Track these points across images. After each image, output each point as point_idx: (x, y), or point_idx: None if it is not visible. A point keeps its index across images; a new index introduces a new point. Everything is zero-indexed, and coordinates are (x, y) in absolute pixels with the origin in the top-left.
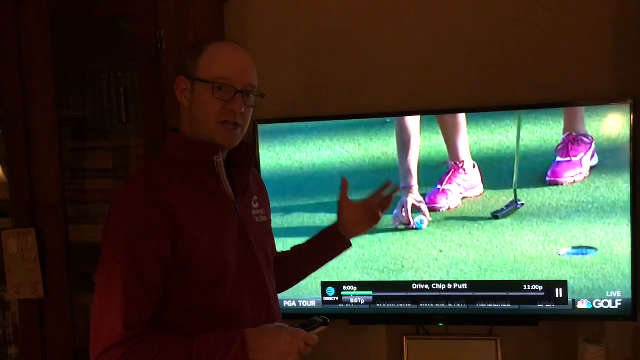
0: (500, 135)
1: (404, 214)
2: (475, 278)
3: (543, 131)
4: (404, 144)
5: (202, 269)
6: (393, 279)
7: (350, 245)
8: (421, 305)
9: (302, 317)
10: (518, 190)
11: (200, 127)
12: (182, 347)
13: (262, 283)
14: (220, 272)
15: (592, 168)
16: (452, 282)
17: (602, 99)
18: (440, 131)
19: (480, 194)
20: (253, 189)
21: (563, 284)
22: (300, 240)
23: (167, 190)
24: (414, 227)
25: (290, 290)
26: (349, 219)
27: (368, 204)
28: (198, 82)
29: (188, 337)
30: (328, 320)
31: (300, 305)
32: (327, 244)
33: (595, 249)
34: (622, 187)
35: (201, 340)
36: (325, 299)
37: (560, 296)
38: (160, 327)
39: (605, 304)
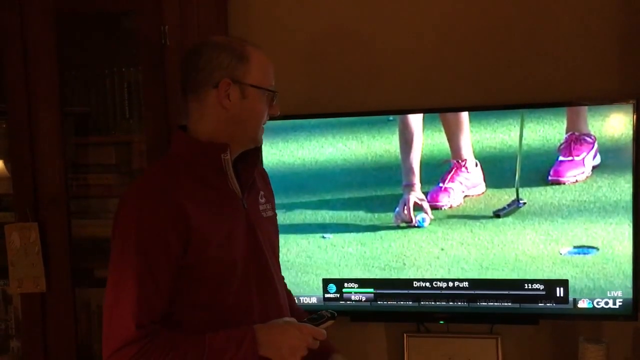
0: (502, 134)
1: (405, 211)
2: (476, 276)
3: (546, 130)
4: (406, 142)
5: (211, 266)
6: (394, 276)
7: None
8: (422, 303)
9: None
10: (520, 189)
11: (245, 131)
12: (193, 346)
13: (270, 278)
14: (229, 268)
15: (594, 168)
16: (453, 280)
17: (605, 99)
18: (442, 129)
19: (482, 193)
20: (259, 184)
21: (564, 283)
22: (302, 236)
23: (176, 188)
24: (416, 225)
25: (292, 287)
26: None
27: None
28: (252, 88)
29: (199, 335)
30: (335, 314)
31: (302, 302)
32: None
33: (597, 249)
34: (624, 186)
35: (212, 338)
36: (327, 295)
37: (561, 295)
38: (169, 325)
39: (606, 303)
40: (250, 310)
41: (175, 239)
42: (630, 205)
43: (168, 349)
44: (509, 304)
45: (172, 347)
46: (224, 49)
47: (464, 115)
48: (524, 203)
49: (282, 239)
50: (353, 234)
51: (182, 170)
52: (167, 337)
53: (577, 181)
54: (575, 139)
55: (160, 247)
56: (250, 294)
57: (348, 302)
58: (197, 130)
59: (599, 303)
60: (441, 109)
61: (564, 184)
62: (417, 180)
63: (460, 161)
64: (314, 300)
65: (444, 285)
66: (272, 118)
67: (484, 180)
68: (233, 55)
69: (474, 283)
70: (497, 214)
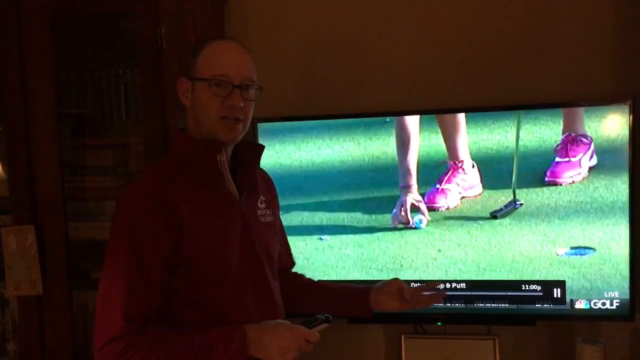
0: (499, 135)
1: (402, 213)
2: (473, 277)
3: (542, 131)
4: (403, 144)
5: (204, 266)
6: (391, 278)
7: (370, 315)
8: None
9: (300, 316)
10: (517, 190)
11: (203, 125)
12: (182, 342)
13: (265, 280)
14: (222, 269)
15: (591, 168)
16: (450, 282)
17: (602, 100)
18: (439, 131)
19: (479, 194)
20: (260, 189)
21: (561, 284)
22: (299, 238)
23: (171, 187)
24: (413, 226)
25: None
26: (386, 297)
27: (409, 295)
28: (197, 81)
29: (189, 331)
30: (330, 318)
31: None
32: (352, 298)
33: (594, 250)
34: (620, 187)
35: (202, 335)
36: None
37: (558, 296)
38: (164, 322)
39: (603, 304)
40: (245, 311)
41: (167, 236)
42: (626, 205)
43: (157, 344)
44: (507, 305)
45: (161, 342)
46: (191, 50)
47: (461, 117)
48: (521, 204)
49: None
50: (350, 236)
51: (178, 169)
52: (157, 333)
53: (573, 182)
54: (572, 140)
55: (151, 243)
56: (245, 295)
57: None
58: (188, 129)
59: (596, 304)
60: (438, 110)
61: (561, 185)
62: (414, 181)
63: (457, 162)
64: None
65: (442, 286)
66: (262, 119)
67: (481, 182)
68: (191, 53)
69: (471, 284)
70: (494, 215)
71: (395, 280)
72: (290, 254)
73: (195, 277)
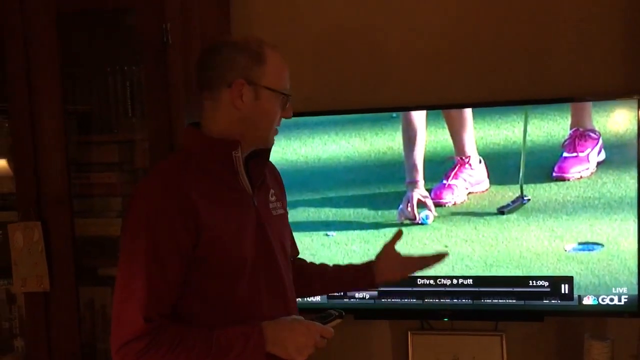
0: (506, 130)
1: (409, 209)
2: (480, 273)
3: (550, 126)
4: (409, 139)
5: (220, 261)
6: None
7: (375, 287)
8: (426, 300)
9: (306, 311)
10: (524, 186)
11: (256, 131)
12: (201, 341)
13: (279, 275)
14: (237, 264)
15: (599, 164)
16: (457, 278)
17: (610, 95)
18: (446, 126)
19: (486, 189)
20: (270, 182)
21: (569, 279)
22: (305, 234)
23: (186, 184)
24: (420, 222)
25: None
26: (385, 264)
27: (408, 260)
28: (266, 90)
29: (207, 330)
30: (343, 313)
31: (306, 300)
32: (357, 274)
33: (602, 245)
34: (629, 183)
35: (219, 334)
36: (331, 293)
37: (566, 292)
38: (178, 319)
39: (611, 300)
40: (259, 306)
41: (185, 234)
42: (635, 201)
43: (176, 344)
44: (514, 301)
45: (180, 341)
46: (242, 49)
47: (468, 112)
48: (528, 200)
49: None
50: (356, 232)
51: (192, 166)
52: (175, 332)
53: (581, 177)
54: (580, 135)
55: (169, 242)
56: (259, 291)
57: (352, 300)
58: (209, 127)
59: (604, 300)
60: (444, 106)
61: (569, 180)
62: (420, 177)
63: (463, 158)
64: (317, 298)
65: (448, 282)
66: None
67: (488, 177)
68: (250, 56)
69: (478, 280)
70: (501, 211)
71: (389, 253)
72: (295, 245)
73: (210, 273)
